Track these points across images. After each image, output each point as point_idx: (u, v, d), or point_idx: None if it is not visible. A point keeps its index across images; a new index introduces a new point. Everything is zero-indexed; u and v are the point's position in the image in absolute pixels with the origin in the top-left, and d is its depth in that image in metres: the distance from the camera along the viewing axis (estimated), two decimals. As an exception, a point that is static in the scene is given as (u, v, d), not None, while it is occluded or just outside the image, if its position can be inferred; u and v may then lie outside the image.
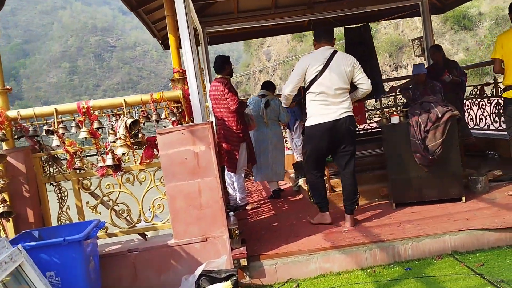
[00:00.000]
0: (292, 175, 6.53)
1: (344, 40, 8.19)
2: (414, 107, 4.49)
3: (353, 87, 4.09)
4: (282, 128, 6.53)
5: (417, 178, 4.41)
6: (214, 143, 3.71)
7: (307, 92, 3.98)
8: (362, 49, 7.97)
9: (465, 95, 6.90)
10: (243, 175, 5.49)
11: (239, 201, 5.50)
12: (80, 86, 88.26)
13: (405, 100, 8.12)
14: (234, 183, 5.48)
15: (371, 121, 8.37)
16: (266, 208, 5.45)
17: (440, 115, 4.25)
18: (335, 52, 3.96)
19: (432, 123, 4.26)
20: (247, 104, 5.46)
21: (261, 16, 7.47)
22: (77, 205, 3.74)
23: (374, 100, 8.26)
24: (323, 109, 3.90)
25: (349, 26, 8.05)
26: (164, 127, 3.87)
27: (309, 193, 4.41)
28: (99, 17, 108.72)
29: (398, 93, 8.09)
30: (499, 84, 6.69)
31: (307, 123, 4.06)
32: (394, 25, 34.07)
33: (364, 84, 4.03)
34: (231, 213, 3.65)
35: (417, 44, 8.75)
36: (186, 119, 3.71)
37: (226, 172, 5.55)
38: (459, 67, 6.49)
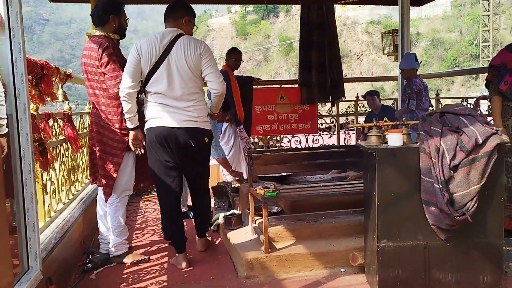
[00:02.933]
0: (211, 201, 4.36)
1: (299, 22, 6.19)
2: (431, 120, 2.49)
3: None
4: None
5: (425, 250, 2.43)
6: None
7: (145, 88, 2.99)
8: (322, 35, 6.04)
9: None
10: (123, 204, 3.24)
11: (113, 249, 3.24)
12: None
13: (367, 108, 6.34)
14: (108, 216, 3.23)
15: (325, 132, 6.46)
16: (157, 263, 3.24)
17: (481, 141, 2.29)
18: (179, 36, 2.93)
19: (465, 153, 2.29)
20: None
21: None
22: None
23: (330, 104, 6.31)
24: (159, 111, 2.94)
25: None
26: None
27: (162, 225, 3.23)
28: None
29: (362, 98, 6.22)
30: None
31: (145, 127, 3.04)
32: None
33: (213, 82, 2.94)
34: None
35: (388, 39, 6.97)
36: None
37: (98, 196, 3.30)
38: None
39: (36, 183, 2.66)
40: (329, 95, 6.15)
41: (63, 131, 3.57)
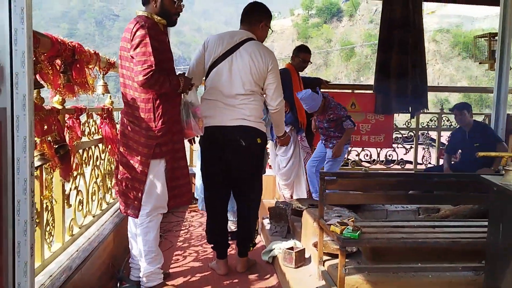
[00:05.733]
0: (267, 223, 3.68)
1: (380, 21, 5.38)
2: None
3: None
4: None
5: None
6: None
7: (205, 84, 2.87)
8: (405, 35, 5.21)
9: None
10: (156, 224, 2.62)
11: (144, 279, 2.62)
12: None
13: (455, 123, 5.40)
14: (139, 237, 2.62)
15: (399, 145, 5.57)
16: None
17: None
18: (248, 40, 2.77)
19: None
20: (191, 79, 2.61)
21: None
22: None
23: (410, 115, 5.43)
24: (212, 109, 2.76)
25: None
26: None
27: (206, 227, 3.09)
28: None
29: (449, 111, 5.28)
30: None
31: None
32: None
33: (271, 98, 2.81)
34: None
35: (482, 44, 5.95)
36: None
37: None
38: None
39: (52, 195, 2.10)
40: (409, 106, 5.30)
41: (100, 130, 3.04)
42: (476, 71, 30.92)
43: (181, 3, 2.53)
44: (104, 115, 3.06)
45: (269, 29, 2.93)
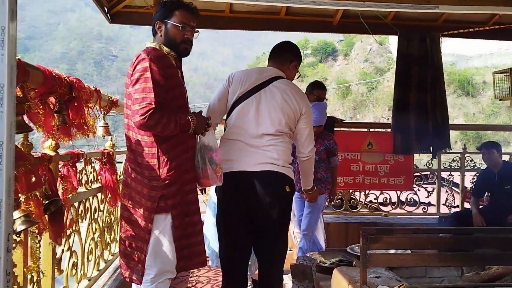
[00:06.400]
0: (287, 281, 3.23)
1: (396, 56, 5.13)
2: None
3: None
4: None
5: None
6: None
7: (226, 121, 2.49)
8: (424, 71, 4.95)
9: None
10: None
11: None
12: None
13: (480, 163, 5.06)
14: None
15: (420, 187, 5.18)
16: None
17: None
18: (278, 78, 2.45)
19: None
20: (208, 118, 2.22)
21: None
22: None
23: (431, 155, 5.08)
24: (234, 151, 2.35)
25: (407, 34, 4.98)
26: None
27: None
28: (107, 25, 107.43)
29: (477, 150, 4.91)
30: None
31: None
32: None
33: (302, 144, 2.48)
34: None
35: (502, 80, 5.68)
36: None
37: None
38: None
39: (38, 266, 1.69)
40: (430, 145, 4.96)
41: (99, 177, 2.65)
42: (472, 108, 31.01)
43: (190, 29, 2.17)
44: (104, 159, 2.68)
45: (298, 73, 2.64)
